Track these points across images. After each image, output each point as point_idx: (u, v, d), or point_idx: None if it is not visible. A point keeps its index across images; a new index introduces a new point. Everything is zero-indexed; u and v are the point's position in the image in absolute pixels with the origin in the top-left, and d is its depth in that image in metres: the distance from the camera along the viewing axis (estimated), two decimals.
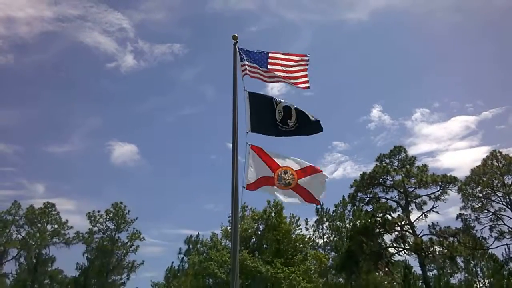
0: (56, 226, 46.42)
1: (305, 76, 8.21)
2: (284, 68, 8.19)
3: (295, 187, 7.52)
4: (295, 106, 7.62)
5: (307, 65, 8.28)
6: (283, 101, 7.68)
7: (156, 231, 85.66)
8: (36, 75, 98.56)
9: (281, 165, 7.57)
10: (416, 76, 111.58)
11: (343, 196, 43.13)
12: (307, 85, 8.20)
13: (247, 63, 8.19)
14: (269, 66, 8.23)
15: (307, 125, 7.56)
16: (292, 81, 8.18)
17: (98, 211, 46.79)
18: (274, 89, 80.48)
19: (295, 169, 7.58)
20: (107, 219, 46.65)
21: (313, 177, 7.61)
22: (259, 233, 32.03)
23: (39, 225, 45.67)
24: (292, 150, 8.19)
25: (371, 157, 39.91)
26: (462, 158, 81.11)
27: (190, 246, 48.79)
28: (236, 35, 8.41)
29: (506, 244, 38.53)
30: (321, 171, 7.74)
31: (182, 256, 48.77)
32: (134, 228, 47.29)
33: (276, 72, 8.18)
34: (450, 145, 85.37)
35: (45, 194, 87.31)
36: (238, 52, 8.25)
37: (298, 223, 37.47)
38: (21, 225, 45.24)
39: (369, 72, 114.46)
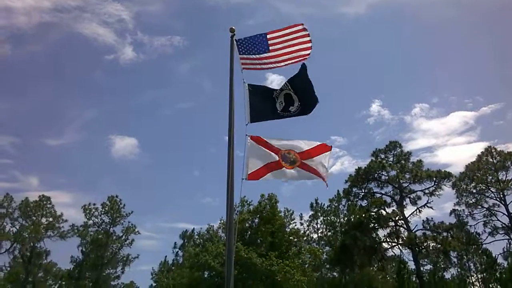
0: (51, 219, 46.25)
1: (308, 42, 8.12)
2: (286, 46, 8.13)
3: (300, 165, 7.45)
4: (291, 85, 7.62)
5: (306, 30, 8.17)
6: (283, 89, 7.66)
7: (153, 224, 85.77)
8: (33, 66, 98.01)
9: (282, 149, 7.50)
10: (415, 71, 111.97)
11: (338, 191, 43.31)
12: (309, 52, 8.12)
13: (245, 55, 8.09)
14: (271, 47, 8.14)
15: (308, 103, 7.59)
16: (295, 58, 8.10)
17: (94, 204, 46.85)
18: (274, 83, 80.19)
19: (297, 152, 7.52)
20: (102, 212, 46.62)
21: (315, 159, 7.54)
22: (254, 225, 32.09)
23: (34, 218, 45.47)
24: None
25: (369, 152, 39.93)
26: (460, 153, 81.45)
27: (185, 240, 48.91)
28: (234, 27, 8.26)
29: (508, 239, 38.82)
30: (328, 148, 7.68)
31: (177, 250, 48.94)
32: (130, 222, 47.36)
33: (278, 57, 8.12)
34: (449, 141, 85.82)
35: (39, 187, 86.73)
36: (235, 45, 8.13)
37: (292, 217, 37.68)
38: (15, 218, 45.03)
39: (368, 66, 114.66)
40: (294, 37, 8.13)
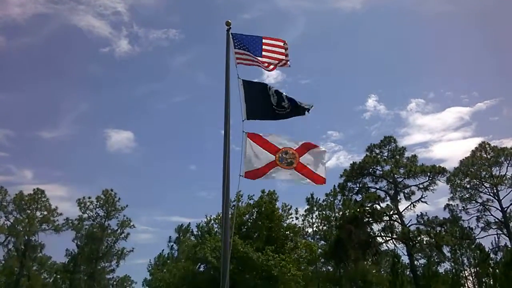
0: (45, 212, 46.11)
1: (287, 56, 8.34)
2: (276, 56, 8.21)
3: (297, 167, 7.44)
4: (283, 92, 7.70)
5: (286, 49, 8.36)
6: (273, 87, 7.73)
7: (148, 217, 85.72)
8: (27, 58, 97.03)
9: (280, 147, 7.49)
10: (412, 66, 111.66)
11: (334, 185, 43.41)
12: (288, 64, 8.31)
13: (240, 50, 8.06)
14: (263, 53, 8.16)
15: (297, 107, 7.60)
16: (282, 63, 8.27)
17: (89, 198, 46.73)
18: (270, 77, 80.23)
19: (294, 148, 7.50)
20: (97, 206, 46.57)
21: (312, 152, 7.56)
22: (251, 219, 32.06)
23: (28, 211, 45.33)
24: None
25: (365, 146, 40.14)
26: (455, 149, 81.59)
27: (181, 234, 48.90)
28: (230, 21, 8.25)
29: (496, 234, 39.18)
30: (318, 146, 7.69)
31: (172, 244, 48.94)
32: (125, 215, 47.33)
33: (269, 59, 8.18)
34: (444, 136, 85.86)
35: (34, 180, 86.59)
36: (231, 39, 8.10)
37: (290, 211, 37.70)
38: (9, 212, 44.86)
39: (365, 61, 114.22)
40: (281, 51, 8.26)
